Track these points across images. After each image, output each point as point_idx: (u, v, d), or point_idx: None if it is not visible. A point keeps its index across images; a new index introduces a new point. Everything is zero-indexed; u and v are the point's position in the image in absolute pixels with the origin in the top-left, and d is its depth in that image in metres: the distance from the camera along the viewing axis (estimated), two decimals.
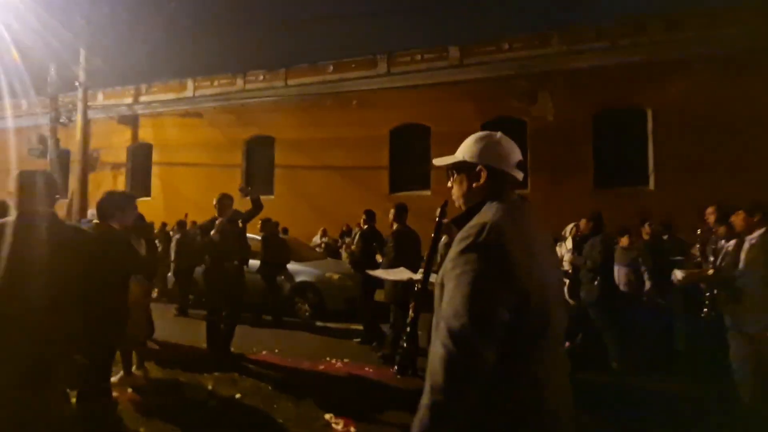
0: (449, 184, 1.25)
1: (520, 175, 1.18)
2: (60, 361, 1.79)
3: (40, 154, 10.73)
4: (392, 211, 4.34)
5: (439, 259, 4.72)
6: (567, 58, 9.89)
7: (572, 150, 9.69)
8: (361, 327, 5.15)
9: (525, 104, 10.12)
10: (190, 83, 13.74)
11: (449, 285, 0.99)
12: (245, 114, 12.81)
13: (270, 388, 3.58)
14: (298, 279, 6.60)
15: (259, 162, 12.95)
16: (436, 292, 1.09)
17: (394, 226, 4.32)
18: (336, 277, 6.54)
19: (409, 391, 3.62)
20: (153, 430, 2.83)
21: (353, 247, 5.36)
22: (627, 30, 9.60)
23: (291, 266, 6.66)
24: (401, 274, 3.72)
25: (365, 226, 5.06)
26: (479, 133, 1.21)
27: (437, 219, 1.48)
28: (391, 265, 3.94)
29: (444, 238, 4.44)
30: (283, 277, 6.50)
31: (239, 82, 13.13)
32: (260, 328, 5.69)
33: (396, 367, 3.81)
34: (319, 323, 6.07)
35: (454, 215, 1.21)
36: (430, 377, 0.93)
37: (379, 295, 4.75)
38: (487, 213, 1.08)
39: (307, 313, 6.37)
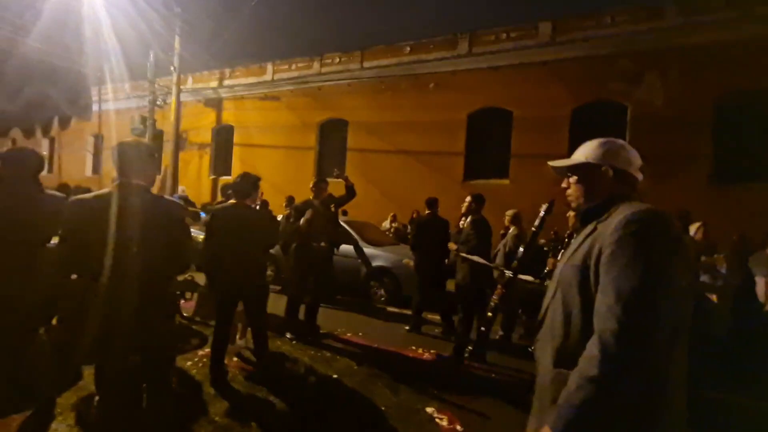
0: (564, 185, 1.31)
1: (640, 177, 1.23)
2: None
3: (140, 133, 11.75)
4: (469, 199, 4.22)
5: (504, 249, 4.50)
6: (683, 31, 8.58)
7: (686, 139, 8.46)
8: (438, 317, 5.00)
9: (628, 87, 9.00)
10: (269, 67, 14.20)
11: (616, 266, 0.99)
12: (320, 97, 12.97)
13: (365, 371, 3.48)
14: (375, 263, 6.51)
15: (332, 145, 13.09)
16: (552, 287, 1.19)
17: (470, 216, 4.22)
18: (413, 263, 6.35)
19: (503, 384, 3.50)
20: (258, 401, 2.83)
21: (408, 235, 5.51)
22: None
23: (368, 250, 6.59)
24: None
25: (428, 212, 5.18)
26: (601, 139, 1.27)
27: (542, 214, 1.52)
28: (470, 253, 3.97)
29: (513, 230, 4.55)
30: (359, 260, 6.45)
31: (316, 65, 13.29)
32: (335, 309, 5.68)
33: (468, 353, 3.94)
34: (392, 309, 5.94)
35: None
36: (590, 367, 0.94)
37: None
38: (634, 204, 1.11)
39: (382, 299, 6.28)
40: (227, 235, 2.92)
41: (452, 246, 4.49)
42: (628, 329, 0.92)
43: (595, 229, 1.14)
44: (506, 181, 10.15)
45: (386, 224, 10.05)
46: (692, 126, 8.44)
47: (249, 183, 3.02)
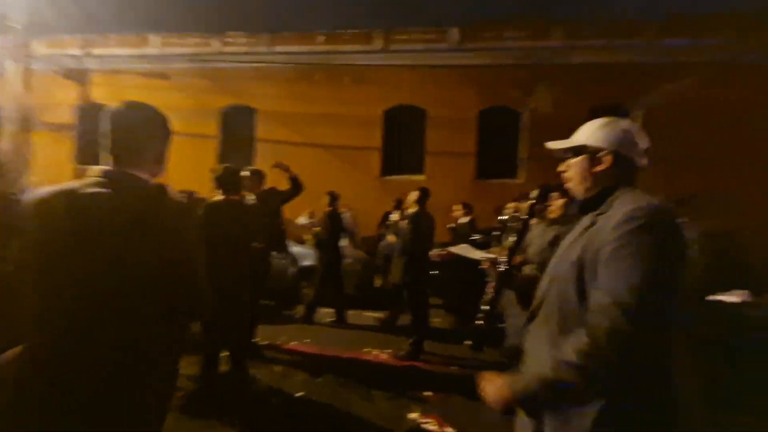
0: (562, 167, 1.27)
1: (645, 162, 1.18)
2: None
3: None
4: (416, 193, 4.22)
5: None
6: (566, 51, 10.03)
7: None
8: (382, 314, 4.91)
9: (523, 95, 10.16)
10: (153, 39, 12.17)
11: (613, 264, 0.97)
12: (221, 80, 11.60)
13: (331, 383, 3.17)
14: (304, 263, 6.09)
15: (237, 134, 11.86)
16: (547, 280, 1.17)
17: (411, 209, 4.22)
18: (348, 261, 6.11)
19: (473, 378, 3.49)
20: None
21: (317, 228, 5.61)
22: (622, 30, 9.93)
23: (295, 249, 6.14)
24: (470, 252, 3.92)
25: (329, 208, 5.38)
26: (604, 119, 1.21)
27: (533, 202, 1.51)
28: (405, 247, 4.01)
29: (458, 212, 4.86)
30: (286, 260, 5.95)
31: (215, 43, 11.84)
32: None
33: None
34: (326, 309, 5.64)
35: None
36: (574, 355, 0.96)
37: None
38: (638, 195, 1.08)
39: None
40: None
41: (392, 239, 4.51)
42: (621, 332, 0.91)
43: (593, 222, 1.10)
44: (422, 177, 10.54)
45: (303, 220, 9.54)
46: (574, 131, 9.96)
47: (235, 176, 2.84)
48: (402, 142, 10.90)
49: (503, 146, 10.45)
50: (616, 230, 1.00)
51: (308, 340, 4.21)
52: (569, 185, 1.28)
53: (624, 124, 1.21)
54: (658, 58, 9.70)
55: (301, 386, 3.07)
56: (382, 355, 3.92)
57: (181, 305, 1.10)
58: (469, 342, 4.12)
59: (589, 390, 0.98)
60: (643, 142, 1.19)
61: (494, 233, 4.61)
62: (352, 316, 5.11)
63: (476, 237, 5.96)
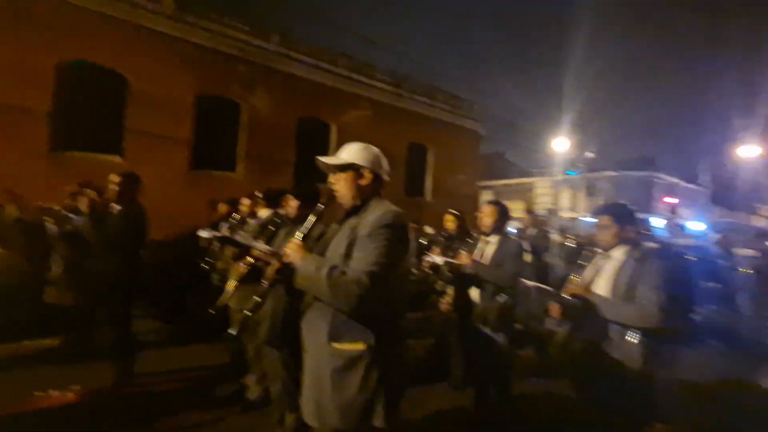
0: (332, 180, 1.60)
1: (388, 179, 1.65)
2: None
3: None
4: (118, 179, 3.25)
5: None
6: (282, 59, 10.91)
7: (278, 146, 10.92)
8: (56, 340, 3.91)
9: (243, 90, 10.25)
10: None
11: (367, 246, 1.43)
12: None
13: None
14: None
15: None
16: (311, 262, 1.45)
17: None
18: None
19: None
20: None
21: None
22: (328, 56, 11.89)
23: None
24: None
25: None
26: (362, 144, 1.63)
27: (321, 206, 1.60)
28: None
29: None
30: None
31: None
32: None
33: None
34: None
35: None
36: (342, 277, 1.38)
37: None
38: (387, 205, 1.54)
39: None
40: None
41: None
42: (364, 283, 1.36)
43: (356, 224, 1.52)
44: (117, 158, 8.67)
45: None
46: (285, 136, 11.09)
47: None
48: (86, 109, 8.46)
49: (222, 138, 10.22)
50: (371, 226, 1.44)
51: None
52: (338, 195, 1.61)
53: (375, 149, 1.64)
54: (349, 87, 12.36)
55: None
56: (70, 395, 3.07)
57: None
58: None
59: (332, 300, 1.38)
60: (387, 164, 1.65)
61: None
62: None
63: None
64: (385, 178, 1.64)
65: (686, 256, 4.94)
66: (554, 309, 2.18)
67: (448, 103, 15.22)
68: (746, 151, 17.35)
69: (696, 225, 10.73)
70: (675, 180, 25.34)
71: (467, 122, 15.89)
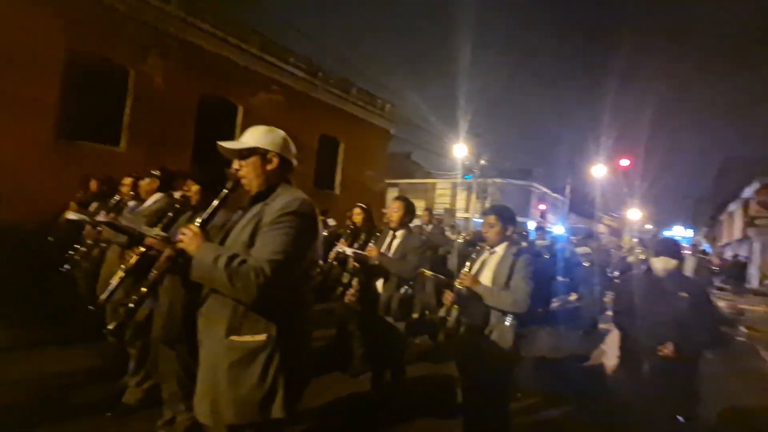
0: (236, 166, 1.50)
1: (296, 163, 1.57)
2: None
3: None
4: None
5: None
6: (183, 25, 9.80)
7: (176, 123, 9.81)
8: None
9: (132, 52, 8.93)
10: None
11: (270, 233, 1.36)
12: None
13: None
14: None
15: None
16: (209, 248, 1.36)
17: None
18: None
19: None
20: None
21: None
22: (239, 31, 11.03)
23: None
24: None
25: None
26: (266, 127, 1.55)
27: (227, 190, 1.51)
28: None
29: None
30: None
31: None
32: None
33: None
34: None
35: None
36: (242, 265, 1.29)
37: None
38: (294, 191, 1.47)
39: None
40: None
41: None
42: (265, 272, 1.29)
43: (261, 210, 1.44)
44: None
45: None
46: (182, 112, 9.99)
47: None
48: None
49: (102, 106, 8.79)
50: (276, 213, 1.38)
51: None
52: (244, 181, 1.51)
53: (281, 132, 1.55)
54: (260, 68, 11.68)
55: None
56: None
57: None
58: None
59: (231, 291, 1.30)
60: (294, 148, 1.56)
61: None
62: None
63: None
64: (294, 162, 1.57)
65: (547, 255, 5.98)
66: (447, 297, 2.46)
67: (362, 99, 15.43)
68: (597, 171, 21.23)
69: (558, 229, 12.96)
70: (546, 190, 29.79)
71: (379, 120, 16.32)
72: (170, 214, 2.18)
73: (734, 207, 24.50)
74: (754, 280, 17.90)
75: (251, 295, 1.28)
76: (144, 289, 1.37)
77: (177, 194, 2.69)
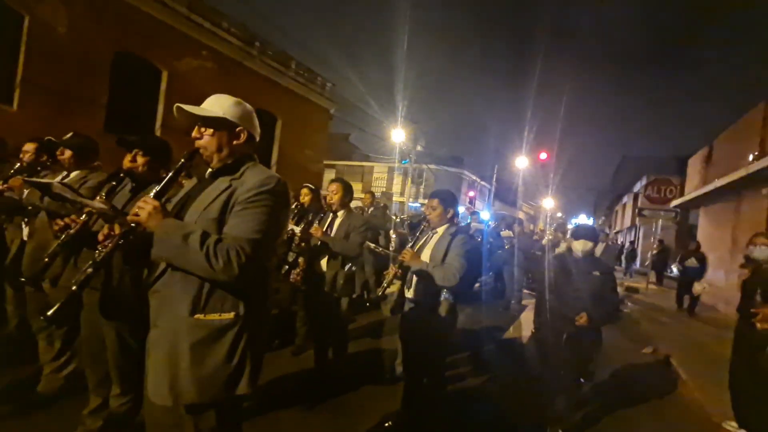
0: (195, 134, 1.41)
1: (258, 138, 1.54)
2: None
3: None
4: None
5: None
6: None
7: (85, 81, 8.56)
8: None
9: None
10: None
11: (247, 212, 1.33)
12: None
13: None
14: None
15: None
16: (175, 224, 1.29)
17: None
18: None
19: None
20: None
21: None
22: None
23: None
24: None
25: None
26: (234, 98, 1.48)
27: (183, 160, 1.41)
28: None
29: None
30: None
31: None
32: None
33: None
34: None
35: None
36: (217, 248, 1.24)
37: None
38: (264, 169, 1.46)
39: None
40: None
41: None
42: (244, 251, 1.26)
43: (229, 185, 1.39)
44: None
45: None
46: (93, 70, 8.73)
47: None
48: None
49: None
50: (252, 191, 1.34)
51: None
52: (204, 152, 1.43)
53: (249, 106, 1.51)
54: (188, 29, 10.59)
55: None
56: None
57: None
58: None
59: (205, 271, 1.24)
60: (257, 123, 1.53)
61: None
62: None
63: None
64: (257, 138, 1.53)
65: (475, 238, 6.52)
66: (390, 272, 2.59)
67: (302, 76, 14.80)
68: (520, 162, 23.01)
69: (484, 214, 13.95)
70: (475, 177, 31.64)
71: (319, 98, 15.80)
72: (113, 183, 1.96)
73: (627, 199, 28.33)
74: (638, 261, 21.01)
75: (232, 275, 1.24)
76: (89, 270, 1.23)
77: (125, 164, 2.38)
